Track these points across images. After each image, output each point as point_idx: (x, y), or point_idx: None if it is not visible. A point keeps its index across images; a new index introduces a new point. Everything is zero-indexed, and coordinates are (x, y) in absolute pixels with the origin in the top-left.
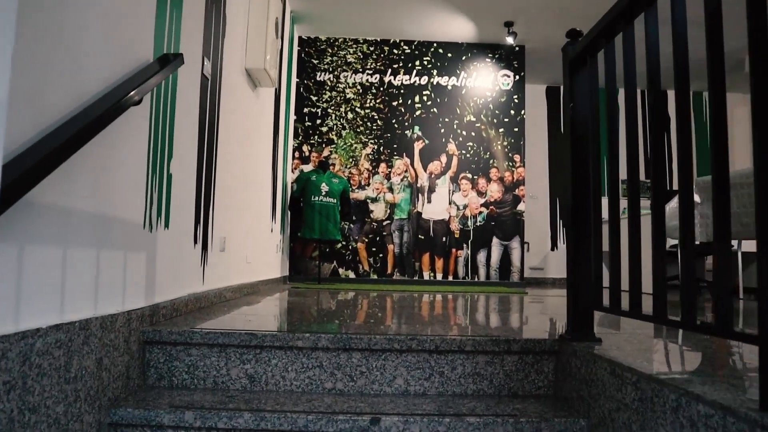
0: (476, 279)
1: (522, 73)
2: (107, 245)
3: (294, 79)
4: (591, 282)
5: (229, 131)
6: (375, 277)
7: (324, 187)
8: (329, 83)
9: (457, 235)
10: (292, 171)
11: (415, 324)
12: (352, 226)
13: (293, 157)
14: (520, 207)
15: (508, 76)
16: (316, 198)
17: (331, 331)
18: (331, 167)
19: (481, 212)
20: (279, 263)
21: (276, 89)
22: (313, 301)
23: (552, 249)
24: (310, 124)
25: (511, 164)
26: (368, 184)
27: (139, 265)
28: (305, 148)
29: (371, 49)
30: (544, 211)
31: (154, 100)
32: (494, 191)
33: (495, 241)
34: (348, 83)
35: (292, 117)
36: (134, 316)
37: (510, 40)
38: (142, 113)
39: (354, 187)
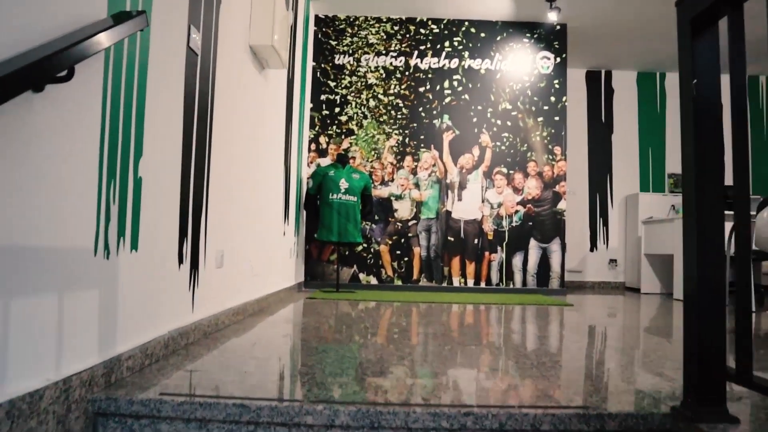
0: (511, 286)
1: (564, 55)
2: (23, 290)
3: (309, 63)
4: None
5: (228, 120)
6: (399, 283)
7: (343, 184)
8: (349, 67)
9: (490, 237)
10: (308, 165)
11: (456, 366)
12: (374, 226)
13: (309, 150)
14: (561, 205)
15: (548, 59)
16: (335, 196)
17: (354, 399)
18: (350, 161)
19: (517, 211)
20: (293, 269)
21: (288, 72)
22: (328, 324)
23: (591, 250)
24: (327, 112)
25: (551, 157)
26: (392, 180)
27: (88, 307)
28: (322, 139)
29: (395, 28)
30: (582, 208)
31: (110, 76)
32: (532, 188)
33: (533, 243)
34: (370, 67)
35: (308, 105)
36: (77, 383)
37: (553, 16)
38: (88, 96)
39: (376, 183)
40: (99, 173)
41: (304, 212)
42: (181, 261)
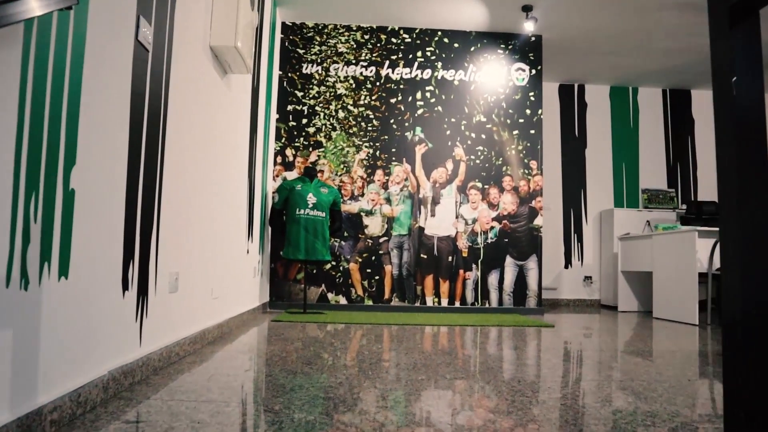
0: (487, 305)
1: (539, 67)
2: None
3: (276, 71)
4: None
5: (184, 126)
6: (370, 303)
7: (311, 199)
8: (317, 77)
9: (465, 254)
10: (274, 179)
11: (436, 401)
12: (343, 243)
13: (275, 163)
14: (537, 221)
15: (523, 70)
16: (302, 211)
17: None
18: (319, 174)
19: (492, 227)
20: (257, 289)
21: (253, 80)
22: (294, 353)
23: (566, 266)
24: (294, 123)
25: (526, 172)
26: (362, 195)
27: None
28: (289, 151)
29: (366, 37)
30: (556, 224)
31: (31, 62)
32: (508, 203)
33: (509, 260)
34: (339, 77)
35: (274, 115)
36: None
37: (530, 26)
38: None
39: (346, 198)
40: (14, 184)
41: (270, 228)
42: (126, 288)
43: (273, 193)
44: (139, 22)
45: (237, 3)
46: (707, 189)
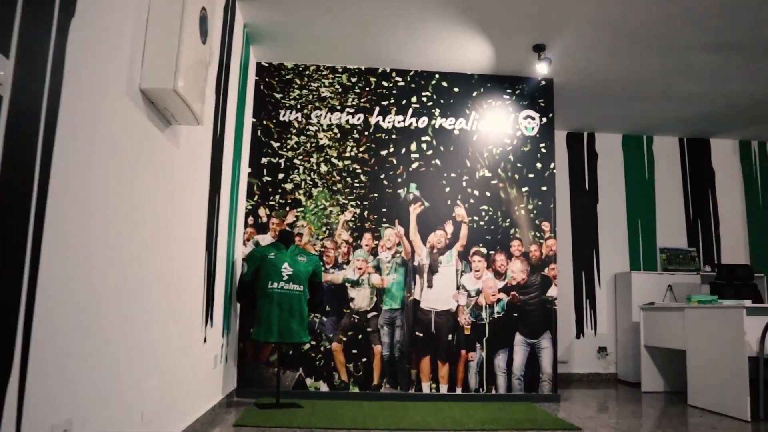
0: (494, 391)
1: (550, 115)
2: None
3: (248, 119)
4: None
5: (90, 198)
6: (356, 389)
7: (286, 269)
8: (296, 125)
9: (467, 332)
10: (244, 243)
11: None
12: (324, 319)
13: (245, 225)
14: (551, 292)
15: (533, 118)
16: (275, 284)
17: None
18: (296, 239)
19: (499, 300)
20: (220, 379)
21: (215, 130)
22: None
23: (578, 336)
24: (269, 179)
25: (538, 235)
26: (347, 262)
27: None
28: (262, 211)
29: (353, 80)
30: (566, 289)
31: None
32: (517, 271)
33: (518, 338)
34: (321, 125)
35: (245, 169)
36: None
37: (543, 68)
38: None
39: (328, 266)
40: None
41: (239, 306)
42: None
43: (243, 261)
44: None
45: (179, 34)
46: (731, 248)
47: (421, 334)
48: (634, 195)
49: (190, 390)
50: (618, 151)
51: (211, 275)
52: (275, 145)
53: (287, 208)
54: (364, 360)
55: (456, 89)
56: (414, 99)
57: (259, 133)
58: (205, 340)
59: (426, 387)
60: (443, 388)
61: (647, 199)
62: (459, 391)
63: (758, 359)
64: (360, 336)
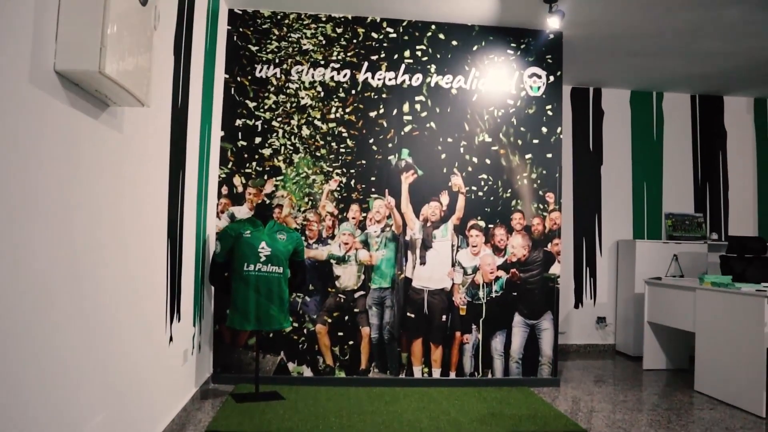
0: (490, 375)
1: (558, 73)
2: None
3: (220, 75)
4: None
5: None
6: (342, 374)
7: (263, 249)
8: (275, 82)
9: (463, 312)
10: (218, 216)
11: None
12: (307, 299)
13: (219, 195)
14: (554, 269)
15: (539, 77)
16: (251, 267)
17: None
18: (275, 212)
19: (498, 278)
20: (192, 373)
21: (177, 97)
22: None
23: (576, 306)
24: (244, 143)
25: (541, 207)
26: (332, 237)
27: None
28: (237, 180)
29: (339, 30)
30: (565, 257)
31: None
32: (518, 247)
33: (517, 319)
34: (303, 82)
35: (217, 133)
36: None
37: (554, 22)
38: None
39: (311, 241)
40: None
41: (213, 288)
42: None
43: (216, 239)
44: None
45: None
46: (739, 214)
47: (412, 315)
48: (641, 156)
49: (156, 398)
50: (626, 109)
51: (175, 265)
52: (251, 105)
53: (265, 177)
54: (350, 343)
55: (454, 42)
56: (407, 53)
57: (232, 92)
58: (171, 339)
59: (417, 371)
60: (436, 373)
61: (654, 160)
62: (453, 375)
63: None
64: (346, 317)
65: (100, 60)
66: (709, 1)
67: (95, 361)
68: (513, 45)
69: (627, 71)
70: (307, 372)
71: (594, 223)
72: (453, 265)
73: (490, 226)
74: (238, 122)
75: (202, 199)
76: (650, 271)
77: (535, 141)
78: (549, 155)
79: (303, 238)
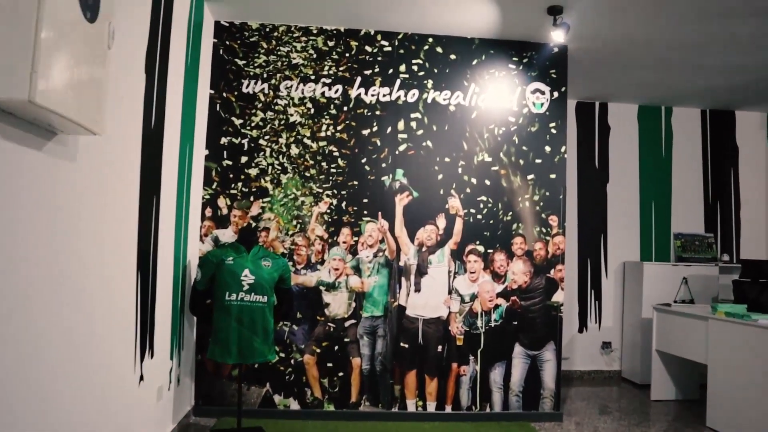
0: (488, 409)
1: (563, 89)
2: None
3: (204, 91)
4: None
5: None
6: (331, 408)
7: (247, 278)
8: (263, 98)
9: (459, 342)
10: (201, 239)
11: None
12: (295, 328)
13: (202, 218)
14: (557, 297)
15: (542, 93)
16: (234, 296)
17: None
18: (261, 236)
19: (497, 306)
20: (169, 410)
21: (147, 121)
22: None
23: (580, 330)
24: (230, 163)
25: (544, 231)
26: (322, 262)
27: None
28: (222, 201)
29: (330, 44)
30: (569, 279)
31: None
32: (519, 273)
33: (518, 350)
34: (292, 98)
35: (200, 152)
36: None
37: (558, 36)
38: None
39: (299, 267)
40: None
41: (195, 318)
42: None
43: (198, 266)
44: None
45: (36, 11)
46: (751, 234)
47: (406, 345)
48: (649, 173)
49: None
50: (633, 124)
51: (147, 298)
52: (237, 122)
53: (251, 198)
54: (340, 374)
55: (453, 56)
56: (402, 68)
57: (217, 108)
58: (141, 378)
59: (411, 405)
60: (431, 406)
61: (663, 178)
62: (449, 409)
63: None
64: (336, 347)
65: (31, 87)
66: (720, 14)
67: (57, 411)
68: (515, 59)
69: (635, 85)
70: (294, 405)
71: (599, 243)
72: (450, 293)
73: (490, 251)
74: (224, 140)
75: (182, 224)
76: (658, 295)
77: (538, 161)
78: (552, 176)
79: (291, 263)
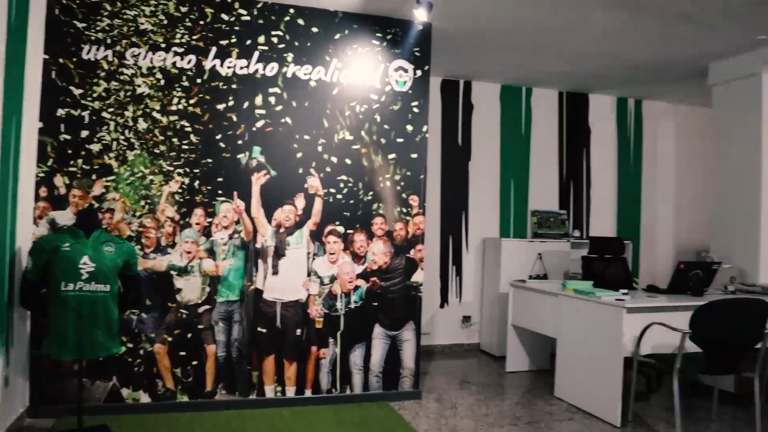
0: (348, 391)
1: (426, 67)
2: None
3: (37, 55)
4: None
5: None
6: (185, 398)
7: (86, 265)
8: (106, 66)
9: (319, 325)
10: (35, 222)
11: None
12: (144, 315)
13: (36, 198)
14: (417, 277)
15: (406, 71)
16: (71, 286)
17: None
18: (105, 218)
19: (357, 287)
20: None
21: None
22: None
23: (441, 305)
24: (69, 137)
25: (404, 211)
26: (173, 245)
27: None
28: (60, 180)
29: (183, 10)
30: (431, 256)
31: None
32: (379, 254)
33: (378, 331)
34: (140, 68)
35: (33, 125)
36: None
37: (422, 14)
38: None
39: (148, 251)
40: None
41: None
42: None
43: (29, 253)
44: None
45: None
46: (600, 211)
47: (264, 330)
48: (509, 152)
49: None
50: (495, 103)
51: None
52: (77, 92)
53: (93, 176)
54: (194, 363)
55: (315, 29)
56: (261, 39)
57: (53, 75)
58: None
59: (270, 391)
60: (290, 391)
61: (522, 156)
62: (309, 393)
63: (632, 359)
64: (189, 335)
65: None
66: (583, 3)
67: None
68: (379, 35)
69: (498, 65)
70: (145, 398)
71: (461, 220)
72: (308, 275)
73: (350, 231)
74: (61, 112)
75: (8, 205)
76: (516, 270)
77: (400, 140)
78: (414, 155)
79: (138, 247)
